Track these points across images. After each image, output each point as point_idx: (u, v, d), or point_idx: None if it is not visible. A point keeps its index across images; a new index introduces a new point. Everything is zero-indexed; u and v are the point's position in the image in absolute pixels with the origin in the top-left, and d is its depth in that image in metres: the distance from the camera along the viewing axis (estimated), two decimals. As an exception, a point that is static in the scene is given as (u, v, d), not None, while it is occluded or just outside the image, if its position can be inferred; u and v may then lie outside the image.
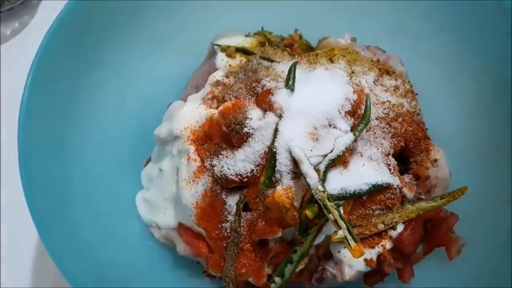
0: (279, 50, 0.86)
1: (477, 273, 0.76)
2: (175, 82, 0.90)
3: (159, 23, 0.89)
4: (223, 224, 0.73)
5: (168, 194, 0.79)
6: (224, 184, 0.73)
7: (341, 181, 0.70)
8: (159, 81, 0.90)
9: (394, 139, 0.76)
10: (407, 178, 0.78)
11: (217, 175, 0.72)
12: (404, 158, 0.80)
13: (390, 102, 0.78)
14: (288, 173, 0.70)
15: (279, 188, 0.69)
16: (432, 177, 0.79)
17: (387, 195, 0.74)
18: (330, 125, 0.71)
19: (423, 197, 0.79)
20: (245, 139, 0.72)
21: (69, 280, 0.67)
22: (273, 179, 0.69)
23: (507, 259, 0.74)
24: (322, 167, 0.69)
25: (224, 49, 0.85)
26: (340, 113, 0.72)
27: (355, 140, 0.72)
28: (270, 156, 0.69)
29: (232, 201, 0.73)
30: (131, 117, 0.87)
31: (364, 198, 0.72)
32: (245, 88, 0.77)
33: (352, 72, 0.79)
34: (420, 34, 0.89)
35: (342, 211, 0.69)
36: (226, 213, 0.73)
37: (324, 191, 0.67)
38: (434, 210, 0.74)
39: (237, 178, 0.71)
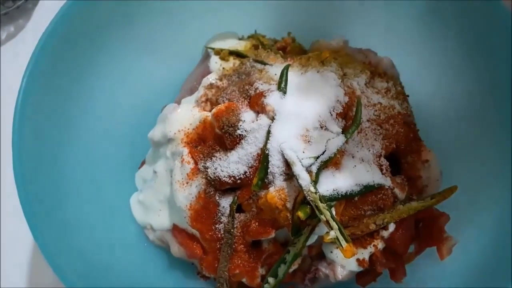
0: (272, 53, 0.86)
1: (468, 272, 0.77)
2: (169, 85, 0.90)
3: (154, 26, 0.89)
4: (217, 226, 0.74)
5: (162, 196, 0.80)
6: (217, 186, 0.73)
7: (333, 182, 0.71)
8: (154, 84, 0.90)
9: (385, 141, 0.77)
10: (398, 179, 0.78)
11: (210, 177, 0.73)
12: (396, 159, 0.80)
13: (381, 104, 0.79)
14: (281, 174, 0.70)
15: (271, 189, 0.70)
16: (424, 178, 0.80)
17: (378, 195, 0.74)
18: (322, 127, 0.72)
19: (414, 197, 0.79)
20: (238, 141, 0.72)
21: (63, 281, 0.67)
22: (265, 180, 0.70)
23: (497, 259, 0.75)
24: (314, 169, 0.69)
25: (218, 52, 0.86)
26: (332, 115, 0.73)
27: (346, 142, 0.72)
28: (263, 158, 0.70)
29: (225, 202, 0.73)
30: (126, 120, 0.87)
31: (356, 199, 0.73)
32: (238, 90, 0.78)
33: (344, 75, 0.80)
34: (411, 37, 0.90)
35: (334, 212, 0.70)
36: (219, 214, 0.73)
37: (316, 192, 0.68)
38: (425, 210, 0.75)
39: (230, 180, 0.72)
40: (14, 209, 0.74)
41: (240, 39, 0.91)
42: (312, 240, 0.72)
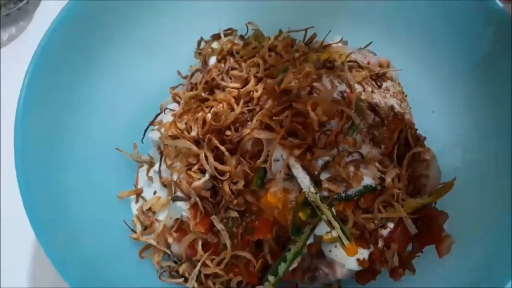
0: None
1: (468, 272, 0.77)
2: (171, 85, 0.90)
3: (154, 26, 0.90)
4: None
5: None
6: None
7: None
8: (156, 84, 0.91)
9: (384, 140, 0.78)
10: (397, 178, 0.78)
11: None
12: (395, 158, 0.81)
13: (380, 103, 0.79)
14: (282, 174, 0.71)
15: (272, 189, 0.70)
16: (423, 177, 0.80)
17: (377, 195, 0.74)
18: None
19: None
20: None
21: (68, 281, 0.68)
22: (265, 180, 0.71)
23: (497, 259, 0.75)
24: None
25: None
26: (331, 115, 0.73)
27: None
28: (263, 156, 0.71)
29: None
30: (128, 120, 0.87)
31: (355, 198, 0.73)
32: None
33: (343, 74, 0.80)
34: (410, 37, 0.91)
35: (334, 212, 0.70)
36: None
37: (316, 193, 0.68)
38: (423, 208, 0.75)
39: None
40: (15, 208, 0.74)
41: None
42: (311, 239, 0.73)
